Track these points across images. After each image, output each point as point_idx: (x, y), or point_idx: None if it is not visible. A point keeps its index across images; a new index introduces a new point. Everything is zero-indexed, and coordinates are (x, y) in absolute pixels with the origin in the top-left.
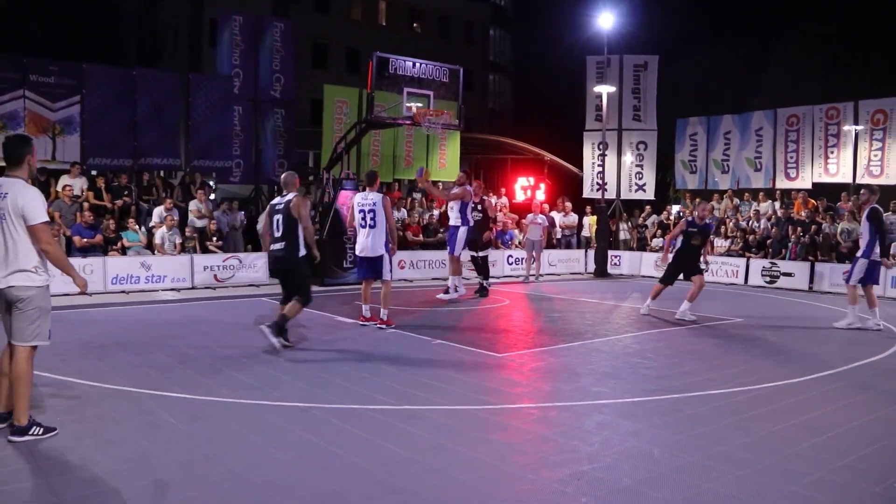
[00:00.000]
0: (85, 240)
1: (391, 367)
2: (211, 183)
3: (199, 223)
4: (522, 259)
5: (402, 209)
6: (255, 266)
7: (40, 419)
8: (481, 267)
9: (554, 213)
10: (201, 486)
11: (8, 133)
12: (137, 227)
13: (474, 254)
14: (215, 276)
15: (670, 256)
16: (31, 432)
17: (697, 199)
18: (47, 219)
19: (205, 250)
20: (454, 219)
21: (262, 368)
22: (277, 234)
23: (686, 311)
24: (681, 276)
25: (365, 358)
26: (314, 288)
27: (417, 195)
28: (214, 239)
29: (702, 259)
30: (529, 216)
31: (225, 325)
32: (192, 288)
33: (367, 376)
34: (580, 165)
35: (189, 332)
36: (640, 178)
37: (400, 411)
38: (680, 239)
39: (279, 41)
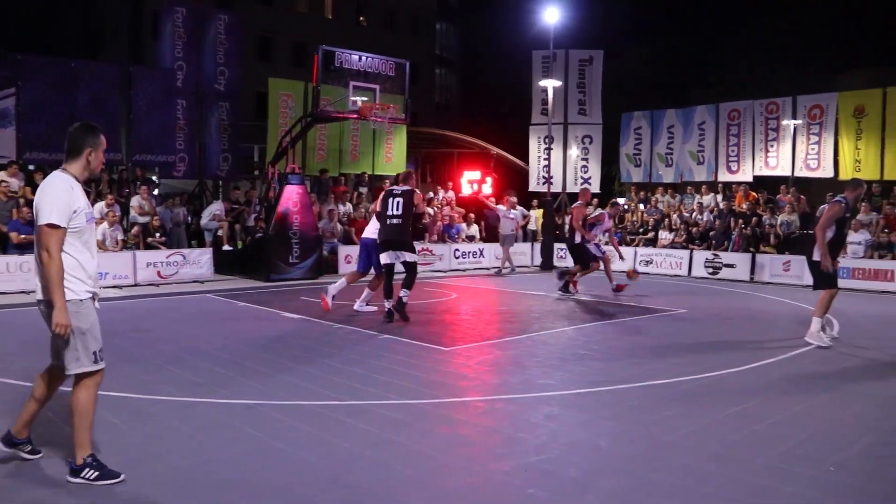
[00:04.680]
0: (22, 236)
1: (337, 363)
2: (154, 178)
3: (142, 219)
4: (470, 252)
5: (348, 203)
6: (199, 262)
7: None
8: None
9: (500, 207)
10: (145, 484)
11: None
12: None
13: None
14: (159, 272)
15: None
16: (83, 474)
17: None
18: (56, 221)
19: (148, 247)
20: None
21: (206, 366)
22: (397, 212)
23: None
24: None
25: (311, 353)
26: (258, 284)
27: (364, 190)
28: (157, 235)
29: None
30: (502, 210)
31: (169, 323)
32: (135, 285)
33: (313, 372)
34: (526, 159)
35: (131, 329)
36: (585, 172)
37: (346, 406)
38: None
39: (223, 34)
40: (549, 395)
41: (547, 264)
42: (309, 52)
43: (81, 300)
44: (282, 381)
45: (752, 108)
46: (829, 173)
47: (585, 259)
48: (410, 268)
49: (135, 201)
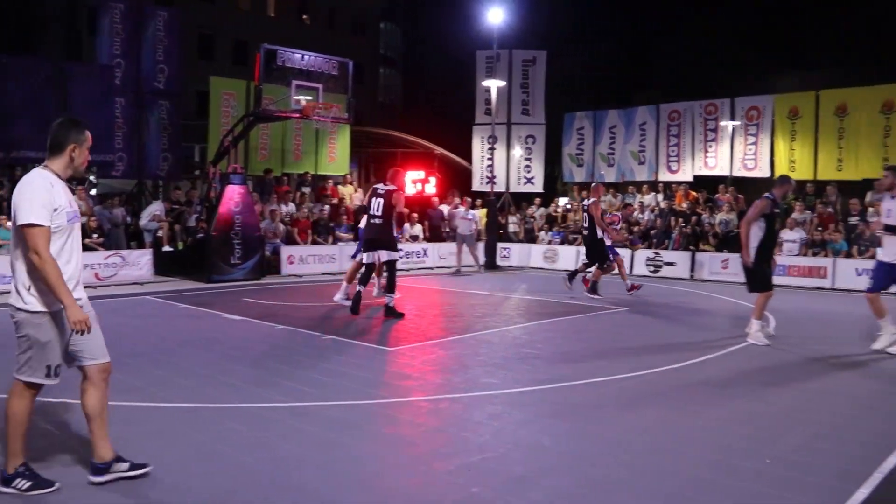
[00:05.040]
0: None
1: (280, 365)
2: (91, 178)
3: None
4: (413, 252)
5: (290, 204)
6: (138, 264)
7: None
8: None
9: (444, 207)
10: (82, 493)
11: None
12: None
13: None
14: (96, 274)
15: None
16: (14, 484)
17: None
18: (39, 221)
19: (85, 248)
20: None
21: (147, 369)
22: (377, 212)
23: None
24: None
25: (254, 355)
26: (200, 286)
27: (307, 189)
28: (95, 236)
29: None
30: (460, 211)
31: (107, 326)
32: None
33: (256, 374)
34: (470, 159)
35: None
36: (528, 172)
37: (290, 408)
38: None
39: (163, 30)
40: (493, 394)
41: (490, 264)
42: (251, 50)
43: (40, 312)
44: (223, 384)
45: (692, 109)
46: (766, 173)
47: (602, 257)
48: (389, 267)
49: None
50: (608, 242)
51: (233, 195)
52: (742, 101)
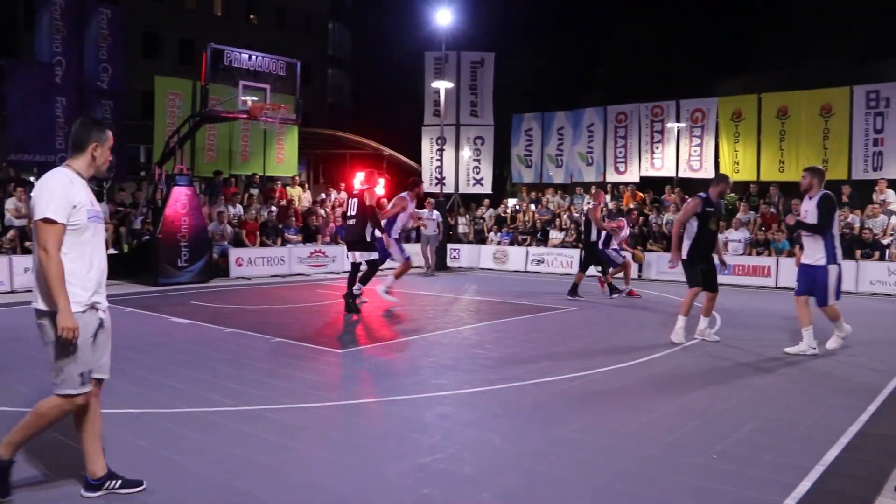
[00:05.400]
0: None
1: (229, 368)
2: (31, 179)
3: (18, 223)
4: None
5: (238, 205)
6: None
7: None
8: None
9: (423, 210)
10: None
11: None
12: None
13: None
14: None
15: None
16: (107, 486)
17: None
18: (52, 215)
19: (25, 251)
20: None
21: None
22: (352, 213)
23: None
24: None
25: (201, 359)
26: (146, 289)
27: (255, 191)
28: None
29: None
30: (424, 212)
31: None
32: (12, 292)
33: (204, 378)
34: (419, 160)
35: (8, 338)
36: (477, 173)
37: (238, 412)
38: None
39: (106, 28)
40: (443, 394)
41: (440, 265)
42: (197, 49)
43: (77, 311)
44: (170, 388)
45: (638, 111)
46: (711, 174)
47: (598, 260)
48: (370, 265)
49: (10, 203)
50: (614, 245)
51: (179, 197)
52: (687, 104)
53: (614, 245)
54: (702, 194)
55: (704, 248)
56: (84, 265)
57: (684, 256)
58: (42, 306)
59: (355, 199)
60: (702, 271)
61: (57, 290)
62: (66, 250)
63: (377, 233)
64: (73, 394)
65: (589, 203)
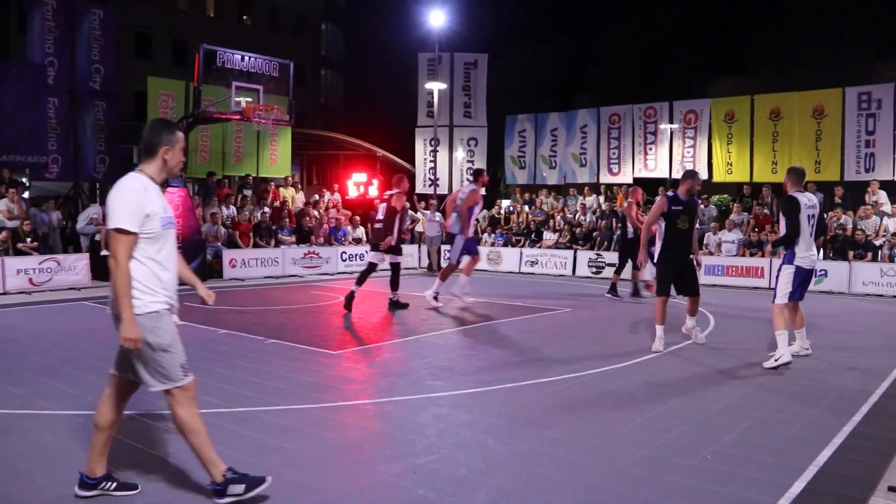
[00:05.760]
0: None
1: (222, 369)
2: (24, 180)
3: (10, 224)
4: (356, 255)
5: (232, 207)
6: (75, 268)
7: None
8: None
9: (426, 211)
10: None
11: None
12: None
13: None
14: (31, 280)
15: None
16: (230, 491)
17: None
18: (125, 225)
19: (18, 252)
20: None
21: (84, 376)
22: (379, 216)
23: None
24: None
25: (195, 360)
26: None
27: (248, 192)
28: (29, 240)
29: None
30: (427, 214)
31: (42, 332)
32: (4, 293)
33: (197, 379)
34: (412, 161)
35: (1, 340)
36: (471, 174)
37: (232, 413)
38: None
39: (98, 29)
40: (438, 395)
41: (433, 265)
42: (190, 50)
43: (157, 313)
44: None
45: (632, 112)
46: (704, 175)
47: (635, 259)
48: (392, 268)
49: (2, 204)
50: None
51: (172, 198)
52: (680, 105)
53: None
54: (668, 193)
55: (676, 249)
56: (162, 270)
57: (656, 260)
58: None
59: (384, 204)
60: (678, 276)
61: (122, 300)
62: (143, 257)
63: (456, 232)
64: (182, 384)
65: (627, 201)
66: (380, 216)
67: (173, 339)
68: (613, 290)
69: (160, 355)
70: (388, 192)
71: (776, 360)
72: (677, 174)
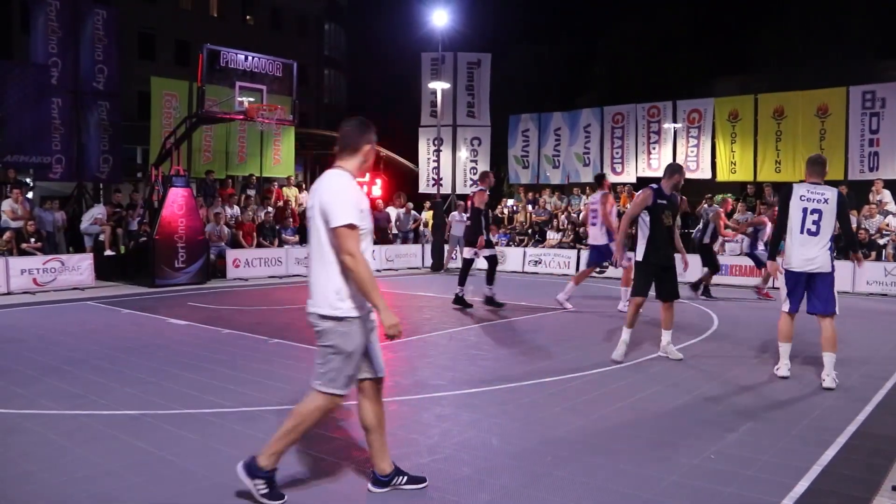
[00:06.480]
0: None
1: (226, 369)
2: (28, 180)
3: (15, 224)
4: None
5: (235, 206)
6: (79, 268)
7: None
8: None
9: (391, 209)
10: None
11: None
12: None
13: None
14: (35, 280)
15: None
16: (394, 483)
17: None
18: (354, 220)
19: (22, 252)
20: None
21: (88, 376)
22: (467, 214)
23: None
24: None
25: (199, 360)
26: (143, 290)
27: (252, 192)
28: (33, 240)
29: None
30: (454, 214)
31: (46, 332)
32: (8, 293)
33: (202, 379)
34: (416, 161)
35: (3, 340)
36: (474, 174)
37: (236, 413)
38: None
39: (102, 29)
40: (441, 395)
41: (437, 266)
42: (193, 50)
43: (350, 318)
44: (168, 390)
45: (635, 111)
46: (708, 174)
47: (712, 262)
48: (489, 261)
49: (6, 205)
50: (761, 247)
51: (176, 198)
52: (684, 104)
53: (760, 247)
54: (653, 185)
55: (660, 247)
56: None
57: (639, 258)
58: (324, 311)
59: (470, 201)
60: (659, 276)
61: (372, 291)
62: None
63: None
64: (339, 394)
65: (716, 208)
66: (466, 213)
67: (356, 349)
68: (706, 292)
69: (339, 360)
70: (473, 190)
71: (777, 369)
72: None
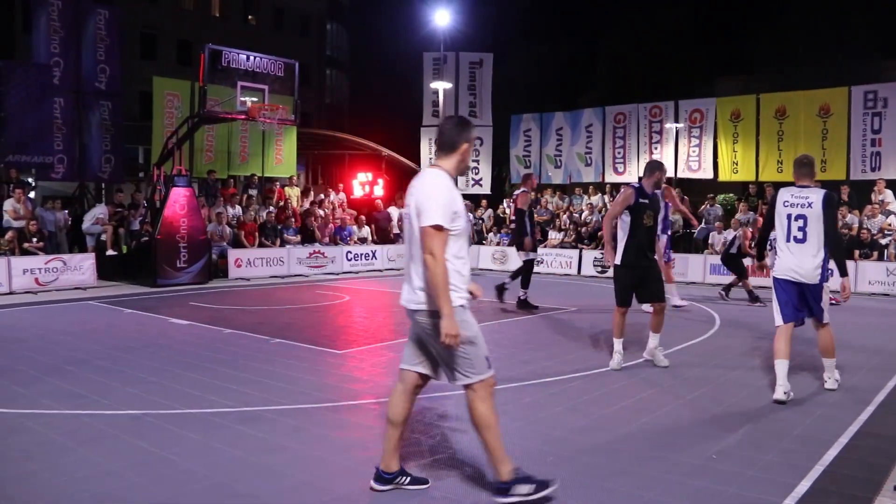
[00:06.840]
0: None
1: (227, 369)
2: (30, 180)
3: (17, 224)
4: (362, 255)
5: (237, 206)
6: (81, 268)
7: None
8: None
9: (392, 209)
10: None
11: None
12: None
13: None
14: (36, 279)
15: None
16: (514, 491)
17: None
18: (441, 222)
19: (24, 252)
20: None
21: (90, 376)
22: (512, 217)
23: None
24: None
25: (201, 360)
26: (145, 290)
27: (253, 192)
28: (35, 240)
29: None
30: (469, 216)
31: (48, 332)
32: (10, 293)
33: (203, 379)
34: (418, 161)
35: (6, 340)
36: (476, 173)
37: (237, 413)
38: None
39: (104, 29)
40: (443, 395)
41: None
42: (195, 50)
43: (462, 307)
44: (170, 390)
45: (637, 111)
46: (709, 174)
47: (740, 269)
48: (525, 264)
49: (8, 205)
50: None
51: (178, 198)
52: (685, 104)
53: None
54: (634, 184)
55: (640, 247)
56: (463, 265)
57: (617, 261)
58: (429, 305)
59: (513, 204)
60: (639, 280)
61: (443, 296)
62: (449, 255)
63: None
64: (487, 376)
65: (747, 228)
66: (512, 216)
67: (478, 331)
68: (753, 296)
69: (468, 348)
70: (516, 192)
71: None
72: (683, 173)
